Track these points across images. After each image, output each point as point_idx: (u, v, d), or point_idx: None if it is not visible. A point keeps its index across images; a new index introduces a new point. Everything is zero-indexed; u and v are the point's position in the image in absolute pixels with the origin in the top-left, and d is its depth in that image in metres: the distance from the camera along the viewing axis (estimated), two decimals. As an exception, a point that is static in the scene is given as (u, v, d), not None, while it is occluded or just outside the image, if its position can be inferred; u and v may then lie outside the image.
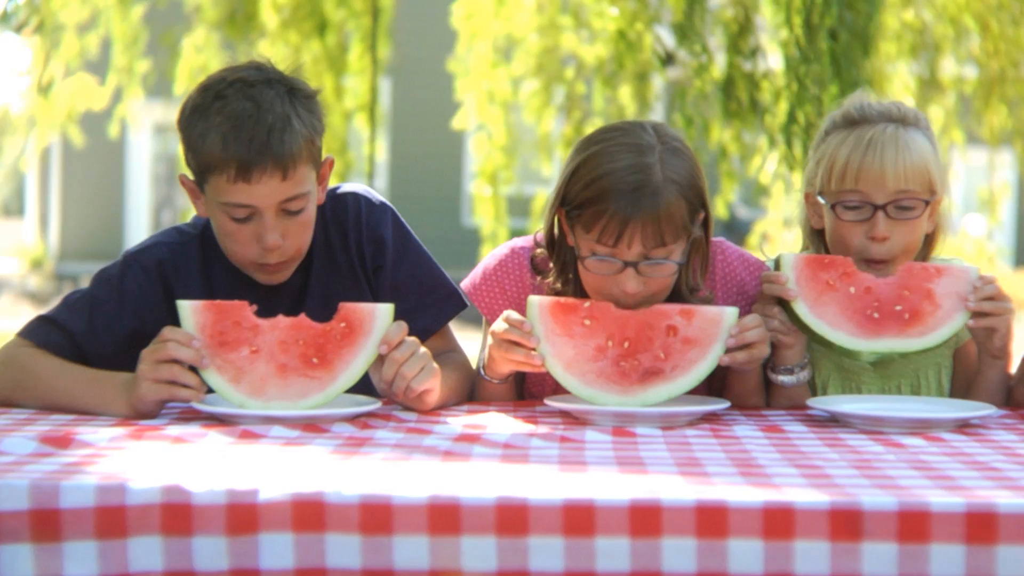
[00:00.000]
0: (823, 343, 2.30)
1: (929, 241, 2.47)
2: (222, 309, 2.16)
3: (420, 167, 17.39)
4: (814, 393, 2.46)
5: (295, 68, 2.32)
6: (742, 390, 2.38)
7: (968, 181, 16.58)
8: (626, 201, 2.20)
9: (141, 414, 2.12)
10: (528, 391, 2.51)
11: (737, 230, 13.14)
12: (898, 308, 2.27)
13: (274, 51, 8.70)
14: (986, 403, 2.29)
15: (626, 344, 2.19)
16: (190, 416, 2.16)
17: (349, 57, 8.84)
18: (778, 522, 1.57)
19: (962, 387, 2.49)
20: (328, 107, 8.92)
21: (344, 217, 2.46)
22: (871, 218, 2.36)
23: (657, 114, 7.83)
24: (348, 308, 2.19)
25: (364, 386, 2.29)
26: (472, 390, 2.44)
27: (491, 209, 7.62)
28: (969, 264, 2.36)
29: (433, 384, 2.19)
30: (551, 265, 2.43)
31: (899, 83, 8.27)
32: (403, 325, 2.19)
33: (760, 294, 2.33)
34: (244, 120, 2.21)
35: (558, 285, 2.41)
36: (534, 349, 2.19)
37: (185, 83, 9.08)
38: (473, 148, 8.04)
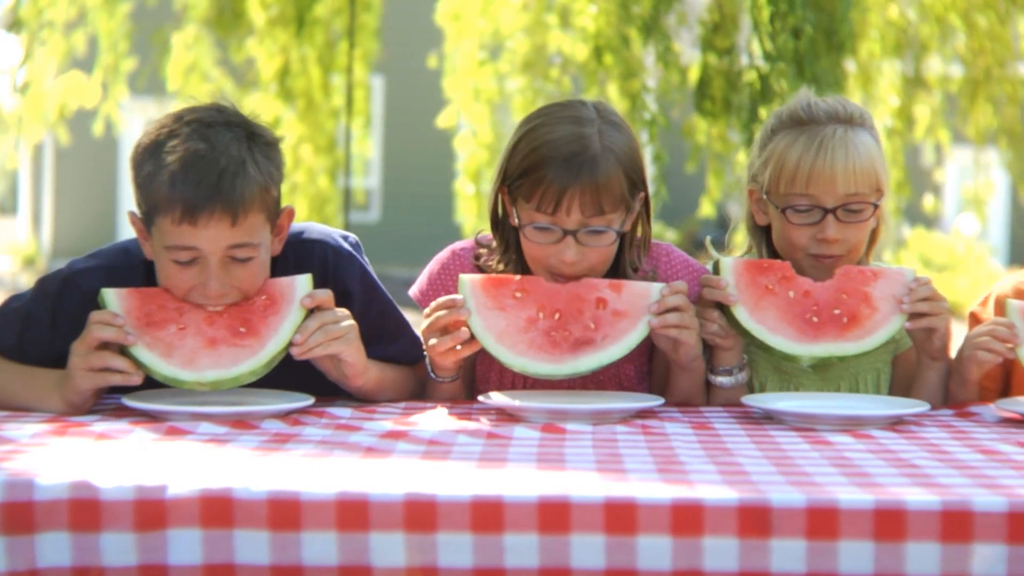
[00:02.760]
0: (763, 347, 2.29)
1: (872, 236, 2.47)
2: (146, 295, 2.17)
3: (413, 165, 17.37)
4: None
5: (255, 116, 2.23)
6: (684, 392, 2.38)
7: (961, 180, 16.57)
8: (564, 168, 2.24)
9: (75, 407, 2.12)
10: (476, 391, 2.51)
11: (728, 227, 13.09)
12: (836, 312, 2.27)
13: (262, 48, 8.71)
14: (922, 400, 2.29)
15: (556, 315, 2.21)
16: (122, 413, 2.15)
17: (337, 55, 8.83)
18: (687, 519, 1.57)
19: (900, 392, 2.48)
20: (316, 105, 8.95)
21: (309, 266, 2.34)
22: (820, 221, 2.37)
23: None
24: (267, 283, 2.20)
25: (305, 385, 2.28)
26: (418, 390, 2.44)
27: (474, 207, 7.61)
28: (906, 268, 2.37)
29: (346, 351, 2.18)
30: (495, 246, 2.45)
31: (884, 82, 8.25)
32: (330, 292, 2.20)
33: (699, 298, 2.32)
34: (196, 161, 2.11)
35: (500, 266, 2.44)
36: (465, 325, 2.19)
37: (176, 81, 9.08)
38: (457, 146, 8.02)
